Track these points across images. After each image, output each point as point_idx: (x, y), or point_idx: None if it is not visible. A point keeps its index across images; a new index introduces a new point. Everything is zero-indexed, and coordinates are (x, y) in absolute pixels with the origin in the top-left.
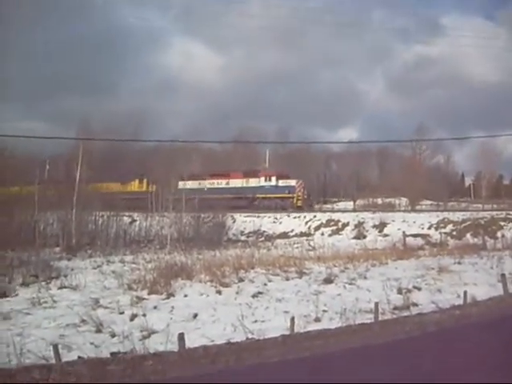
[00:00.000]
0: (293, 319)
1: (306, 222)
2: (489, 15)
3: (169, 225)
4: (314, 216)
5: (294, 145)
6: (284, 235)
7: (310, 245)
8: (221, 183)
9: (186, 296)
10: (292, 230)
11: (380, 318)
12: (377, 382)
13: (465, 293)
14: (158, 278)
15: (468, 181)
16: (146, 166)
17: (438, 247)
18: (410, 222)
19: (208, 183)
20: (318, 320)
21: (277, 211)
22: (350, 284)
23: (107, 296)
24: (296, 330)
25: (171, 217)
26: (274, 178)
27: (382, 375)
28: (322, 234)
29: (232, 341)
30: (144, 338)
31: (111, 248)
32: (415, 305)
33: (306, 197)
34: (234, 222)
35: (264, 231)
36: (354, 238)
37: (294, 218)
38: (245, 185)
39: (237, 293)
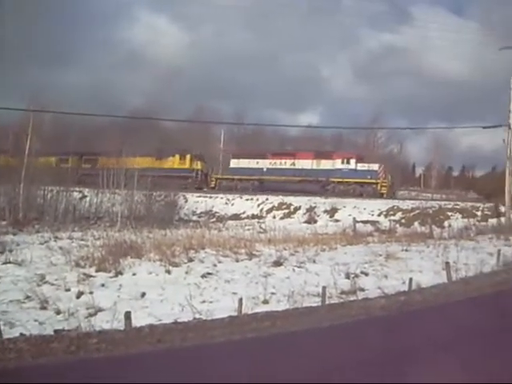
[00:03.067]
0: (241, 300)
1: (259, 205)
2: (456, 9)
3: (120, 202)
4: (267, 199)
5: (250, 127)
6: (236, 217)
7: (261, 227)
8: (284, 163)
9: (134, 274)
10: (244, 212)
11: (327, 302)
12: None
13: (410, 279)
14: (107, 255)
15: (419, 171)
16: (99, 142)
17: (386, 234)
18: (360, 209)
19: (268, 163)
20: (266, 302)
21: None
22: (299, 267)
23: (54, 272)
24: (244, 312)
25: (122, 194)
26: (353, 161)
27: (326, 355)
28: (274, 217)
29: (179, 320)
30: (90, 315)
31: (60, 224)
32: (362, 290)
33: (390, 183)
34: (186, 201)
35: (216, 212)
36: (305, 222)
37: (247, 200)
38: (315, 167)
39: (186, 273)
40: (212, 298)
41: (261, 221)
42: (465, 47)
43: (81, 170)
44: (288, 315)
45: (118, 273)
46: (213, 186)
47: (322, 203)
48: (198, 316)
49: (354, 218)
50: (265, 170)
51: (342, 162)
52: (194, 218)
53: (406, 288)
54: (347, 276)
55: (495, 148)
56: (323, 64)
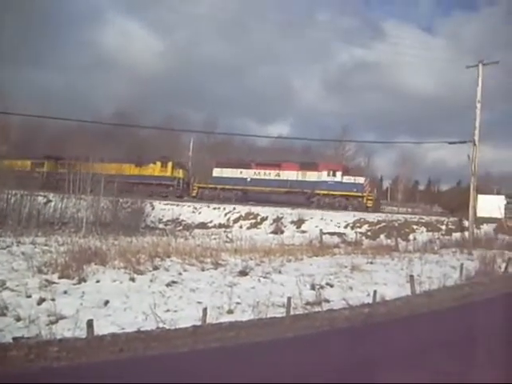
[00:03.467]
0: (205, 310)
1: (226, 214)
2: (427, 27)
3: (85, 208)
4: (234, 208)
5: (219, 136)
6: (203, 225)
7: (227, 237)
8: (269, 174)
9: (98, 282)
10: (211, 221)
11: (292, 313)
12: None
13: (374, 292)
14: (70, 261)
15: (386, 184)
16: (62, 146)
17: (352, 246)
18: (327, 220)
19: (253, 173)
20: (230, 312)
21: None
22: (265, 278)
23: (15, 278)
24: (208, 321)
25: (88, 199)
26: (339, 173)
27: (288, 366)
28: (241, 227)
29: (142, 329)
30: (51, 323)
31: (23, 228)
32: (327, 301)
33: (375, 197)
34: (153, 209)
35: (183, 220)
36: (272, 232)
37: (214, 209)
38: (301, 178)
39: (151, 281)
40: (176, 306)
41: (227, 230)
42: (434, 64)
43: (58, 175)
44: (252, 325)
45: (82, 280)
46: (194, 194)
47: (289, 214)
48: (161, 325)
49: (321, 230)
50: (249, 180)
51: (328, 174)
52: (161, 225)
53: (370, 300)
54: (312, 287)
55: (460, 163)
56: (295, 76)
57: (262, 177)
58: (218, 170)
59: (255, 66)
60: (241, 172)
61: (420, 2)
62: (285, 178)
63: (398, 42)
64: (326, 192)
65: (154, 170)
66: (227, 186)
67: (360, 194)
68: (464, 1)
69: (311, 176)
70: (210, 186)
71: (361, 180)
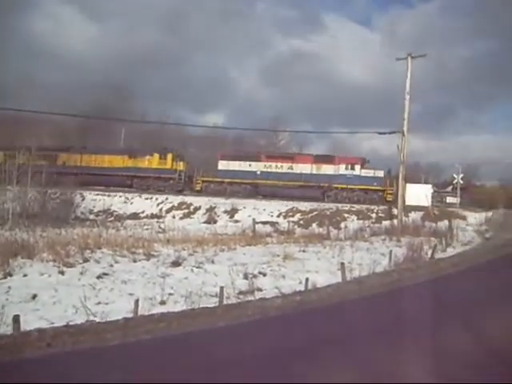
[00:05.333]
0: (137, 301)
1: (158, 204)
2: (364, 21)
3: (11, 199)
4: (166, 198)
5: (152, 125)
6: (135, 216)
7: (160, 227)
8: (281, 167)
9: (25, 276)
10: (143, 211)
11: (225, 302)
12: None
13: (306, 279)
14: None
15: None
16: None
17: (285, 235)
18: (260, 210)
19: (263, 165)
20: (163, 303)
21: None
22: (198, 268)
23: None
24: (140, 313)
25: (15, 190)
26: (357, 167)
27: (219, 354)
28: (174, 217)
29: (72, 323)
30: None
31: None
32: (260, 290)
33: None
34: (83, 199)
35: (114, 211)
36: (205, 222)
37: (146, 199)
38: (315, 171)
39: (81, 273)
40: (108, 299)
41: (160, 220)
42: (370, 57)
43: (34, 168)
44: (184, 316)
45: (8, 274)
46: (198, 189)
47: (222, 203)
48: (92, 318)
49: (254, 219)
50: (258, 173)
51: (346, 168)
52: (91, 216)
53: (302, 288)
54: (245, 276)
55: (392, 153)
56: (232, 66)
57: (274, 170)
58: (224, 162)
59: (192, 55)
60: (250, 165)
61: None
62: (298, 172)
63: (336, 34)
64: (344, 186)
65: (151, 162)
66: (235, 180)
67: (380, 188)
68: None
69: (327, 169)
70: (216, 179)
71: (380, 173)
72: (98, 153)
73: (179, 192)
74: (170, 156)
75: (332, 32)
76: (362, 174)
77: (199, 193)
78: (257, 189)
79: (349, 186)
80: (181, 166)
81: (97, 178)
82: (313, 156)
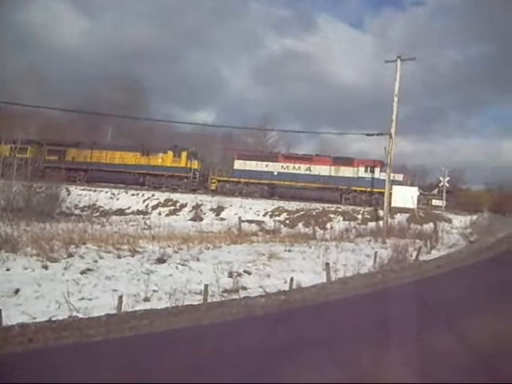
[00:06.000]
0: (121, 298)
1: (144, 201)
2: (356, 22)
3: None
4: (153, 195)
5: (139, 123)
6: (120, 212)
7: (145, 223)
8: (299, 168)
9: (8, 270)
10: (129, 208)
11: (209, 300)
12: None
13: (291, 279)
14: None
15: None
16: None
17: (271, 234)
18: (246, 208)
19: (280, 166)
20: (147, 300)
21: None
22: (183, 265)
23: None
24: (124, 309)
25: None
26: (377, 170)
27: (201, 353)
28: (160, 214)
29: (55, 318)
30: None
31: None
32: (244, 288)
33: None
34: (69, 194)
35: (100, 206)
36: (191, 219)
37: (132, 195)
38: (334, 173)
39: (65, 268)
40: (91, 295)
41: (146, 217)
42: (361, 59)
43: (45, 163)
44: (168, 313)
45: None
46: (213, 188)
47: (208, 201)
48: (75, 314)
49: (240, 218)
50: (275, 173)
51: (366, 171)
52: (77, 211)
53: (287, 287)
54: (230, 274)
55: (380, 155)
56: (224, 64)
57: (291, 171)
58: (241, 162)
59: (184, 52)
60: (267, 165)
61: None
62: (316, 173)
63: (328, 35)
64: (363, 189)
65: (164, 159)
66: (252, 180)
67: None
68: (393, 0)
69: (346, 172)
70: (232, 179)
71: (400, 177)
72: (109, 149)
73: (193, 191)
74: (184, 154)
75: (324, 33)
76: (382, 177)
77: (213, 192)
78: (273, 189)
79: (368, 189)
80: (195, 164)
81: (107, 174)
82: (331, 158)
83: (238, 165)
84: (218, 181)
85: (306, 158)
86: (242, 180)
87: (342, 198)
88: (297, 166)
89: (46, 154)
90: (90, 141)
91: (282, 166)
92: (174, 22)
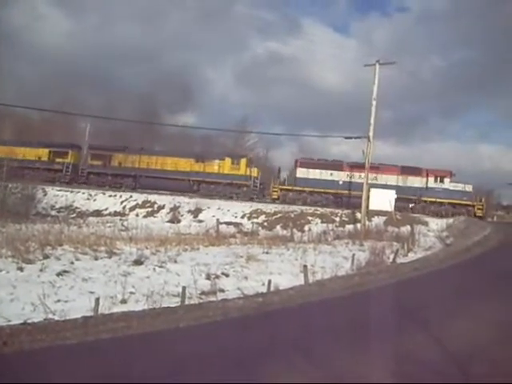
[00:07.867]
0: (97, 300)
1: (122, 202)
2: (341, 27)
3: None
4: (131, 196)
5: (119, 123)
6: (98, 213)
7: (123, 225)
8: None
9: None
10: (106, 209)
11: (187, 302)
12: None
13: (269, 281)
14: None
15: (284, 175)
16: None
17: (249, 236)
18: (224, 210)
19: (346, 175)
20: (124, 302)
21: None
22: (160, 267)
23: None
24: (100, 312)
25: None
26: (447, 180)
27: (177, 355)
28: (137, 215)
29: (30, 321)
30: None
31: None
32: (222, 291)
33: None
34: (45, 195)
35: (77, 207)
36: (169, 221)
37: (110, 196)
38: (401, 183)
39: (40, 270)
40: (68, 297)
41: (123, 218)
42: (344, 63)
43: (88, 168)
44: (145, 316)
45: None
46: (275, 197)
47: (186, 203)
48: (51, 316)
49: (218, 220)
50: (341, 183)
51: (435, 181)
52: (53, 212)
53: (264, 289)
54: (208, 277)
55: (360, 158)
56: (208, 66)
57: (357, 180)
58: (303, 170)
59: (167, 53)
60: (331, 174)
61: (336, 4)
62: (383, 183)
63: (313, 39)
64: (432, 200)
65: (222, 166)
66: (316, 189)
67: (470, 203)
68: (377, 6)
69: (414, 181)
70: (295, 188)
71: (470, 187)
72: (159, 154)
73: (251, 200)
74: (243, 161)
75: (309, 37)
76: (451, 188)
77: (275, 201)
78: (338, 199)
79: (437, 200)
80: (255, 172)
81: (158, 181)
82: (399, 167)
83: (301, 173)
84: (281, 189)
85: (373, 167)
86: (307, 189)
87: (411, 208)
88: (363, 175)
89: (90, 159)
90: (137, 146)
91: (348, 175)
92: (156, 22)
